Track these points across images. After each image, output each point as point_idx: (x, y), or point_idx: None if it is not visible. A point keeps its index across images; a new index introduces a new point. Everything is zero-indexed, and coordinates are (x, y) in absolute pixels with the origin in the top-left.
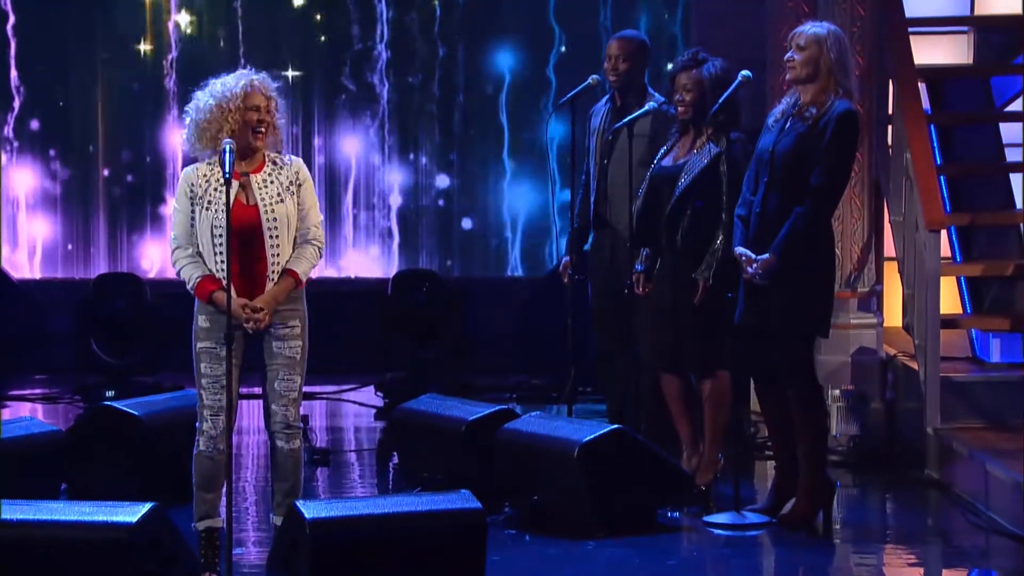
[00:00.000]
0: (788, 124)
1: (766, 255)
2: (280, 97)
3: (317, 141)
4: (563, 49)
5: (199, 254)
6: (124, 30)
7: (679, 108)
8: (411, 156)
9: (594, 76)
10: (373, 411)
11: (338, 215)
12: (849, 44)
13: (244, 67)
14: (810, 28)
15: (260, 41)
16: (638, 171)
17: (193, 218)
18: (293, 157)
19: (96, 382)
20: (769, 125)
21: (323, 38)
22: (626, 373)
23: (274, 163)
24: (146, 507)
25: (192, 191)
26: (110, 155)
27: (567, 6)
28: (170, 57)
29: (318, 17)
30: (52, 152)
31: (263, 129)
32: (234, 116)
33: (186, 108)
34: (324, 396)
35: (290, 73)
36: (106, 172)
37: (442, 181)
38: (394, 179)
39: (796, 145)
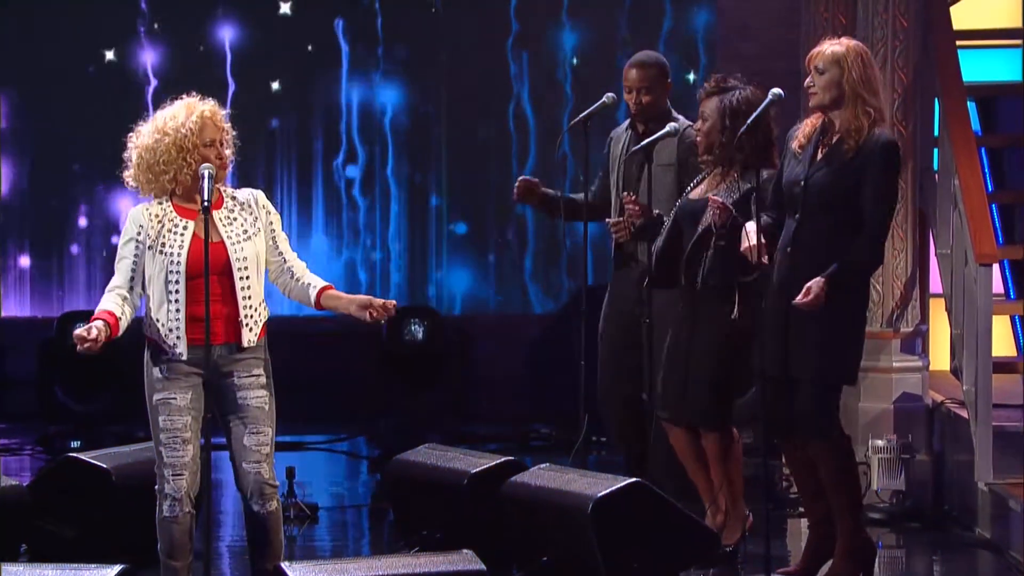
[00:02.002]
0: (820, 155)
1: (818, 279)
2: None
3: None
4: (575, 62)
5: (125, 298)
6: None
7: (699, 139)
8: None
9: (609, 94)
10: (366, 463)
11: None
12: (873, 59)
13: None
14: (828, 47)
15: None
16: (668, 204)
17: (136, 264)
18: (252, 191)
19: (60, 431)
20: (795, 152)
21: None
22: (638, 418)
23: (233, 198)
24: (115, 570)
25: (140, 234)
26: (78, 184)
27: (582, 13)
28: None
29: None
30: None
31: (222, 165)
32: (193, 155)
33: (130, 145)
34: (312, 447)
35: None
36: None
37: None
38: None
39: (834, 181)
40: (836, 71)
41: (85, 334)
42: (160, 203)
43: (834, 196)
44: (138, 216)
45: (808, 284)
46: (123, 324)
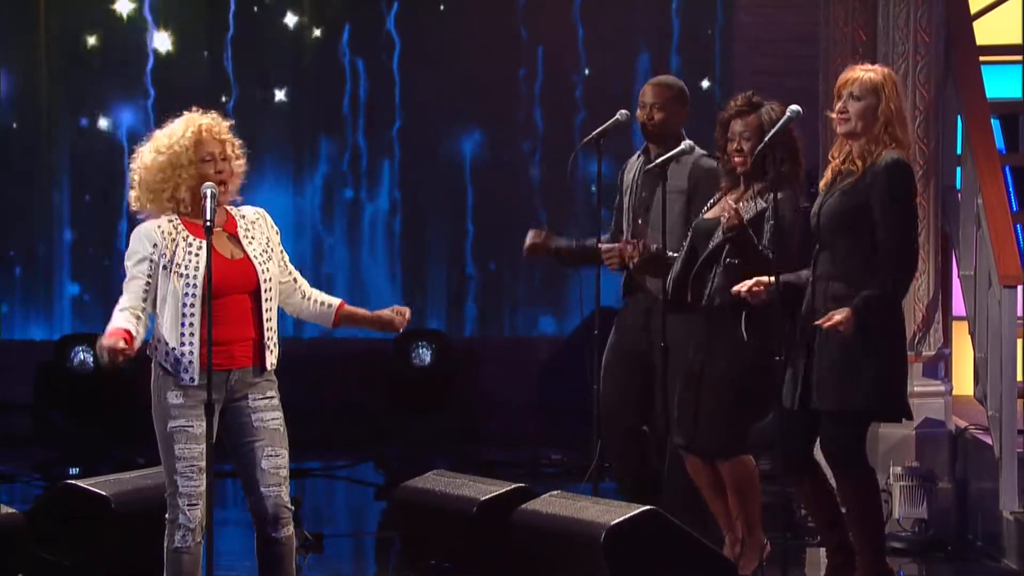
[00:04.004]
0: (836, 181)
1: (843, 310)
2: (236, 137)
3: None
4: (587, 72)
5: (138, 318)
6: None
7: (736, 158)
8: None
9: (623, 111)
10: (372, 490)
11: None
12: (903, 83)
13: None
14: (864, 74)
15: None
16: (677, 230)
17: (149, 284)
18: (256, 209)
19: (58, 457)
20: (821, 190)
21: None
22: (639, 449)
23: (243, 216)
24: None
25: (154, 253)
26: (73, 203)
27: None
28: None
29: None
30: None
31: (223, 179)
32: (188, 171)
33: (131, 166)
34: (316, 473)
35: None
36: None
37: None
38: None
39: (841, 203)
40: (873, 99)
41: (115, 344)
42: (170, 220)
43: (842, 219)
44: (150, 233)
45: (833, 313)
46: (137, 343)
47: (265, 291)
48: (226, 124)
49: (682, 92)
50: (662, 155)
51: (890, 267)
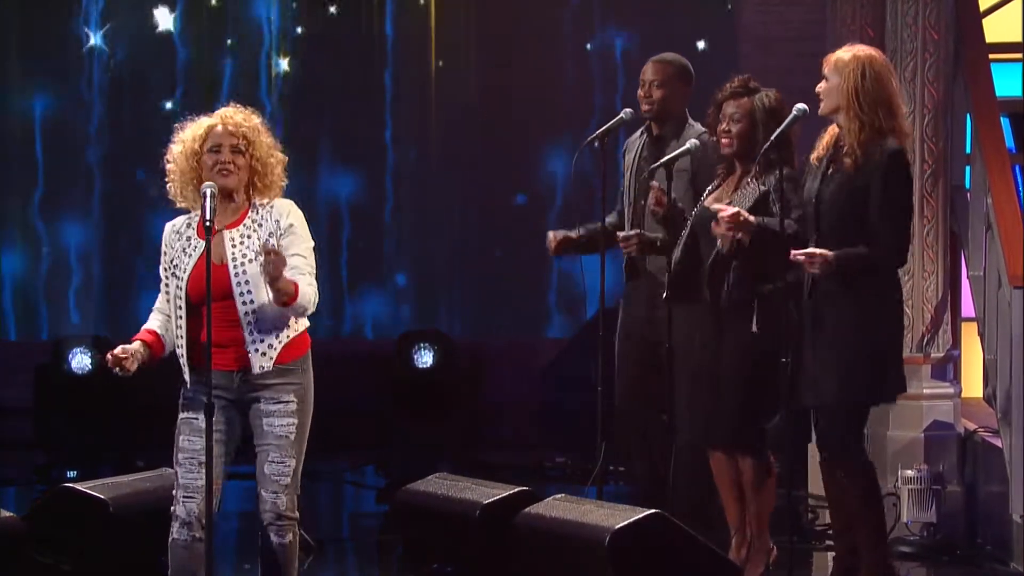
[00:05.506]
0: (831, 167)
1: (828, 252)
2: (266, 134)
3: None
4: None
5: (168, 317)
6: None
7: (723, 140)
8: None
9: (627, 110)
10: (374, 493)
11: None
12: (889, 69)
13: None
14: (838, 53)
15: None
16: (686, 209)
17: (167, 285)
18: (280, 200)
19: (56, 460)
20: (812, 164)
21: None
22: (657, 444)
23: (258, 211)
24: None
25: (166, 255)
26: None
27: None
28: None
29: None
30: None
31: (228, 170)
32: (199, 159)
33: (166, 158)
34: (318, 476)
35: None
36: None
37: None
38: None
39: (841, 197)
40: (836, 79)
41: (120, 354)
42: (188, 216)
43: (843, 212)
44: (165, 234)
45: (815, 250)
46: (168, 341)
47: (239, 295)
48: (256, 119)
49: (684, 70)
50: (663, 135)
51: (887, 259)
